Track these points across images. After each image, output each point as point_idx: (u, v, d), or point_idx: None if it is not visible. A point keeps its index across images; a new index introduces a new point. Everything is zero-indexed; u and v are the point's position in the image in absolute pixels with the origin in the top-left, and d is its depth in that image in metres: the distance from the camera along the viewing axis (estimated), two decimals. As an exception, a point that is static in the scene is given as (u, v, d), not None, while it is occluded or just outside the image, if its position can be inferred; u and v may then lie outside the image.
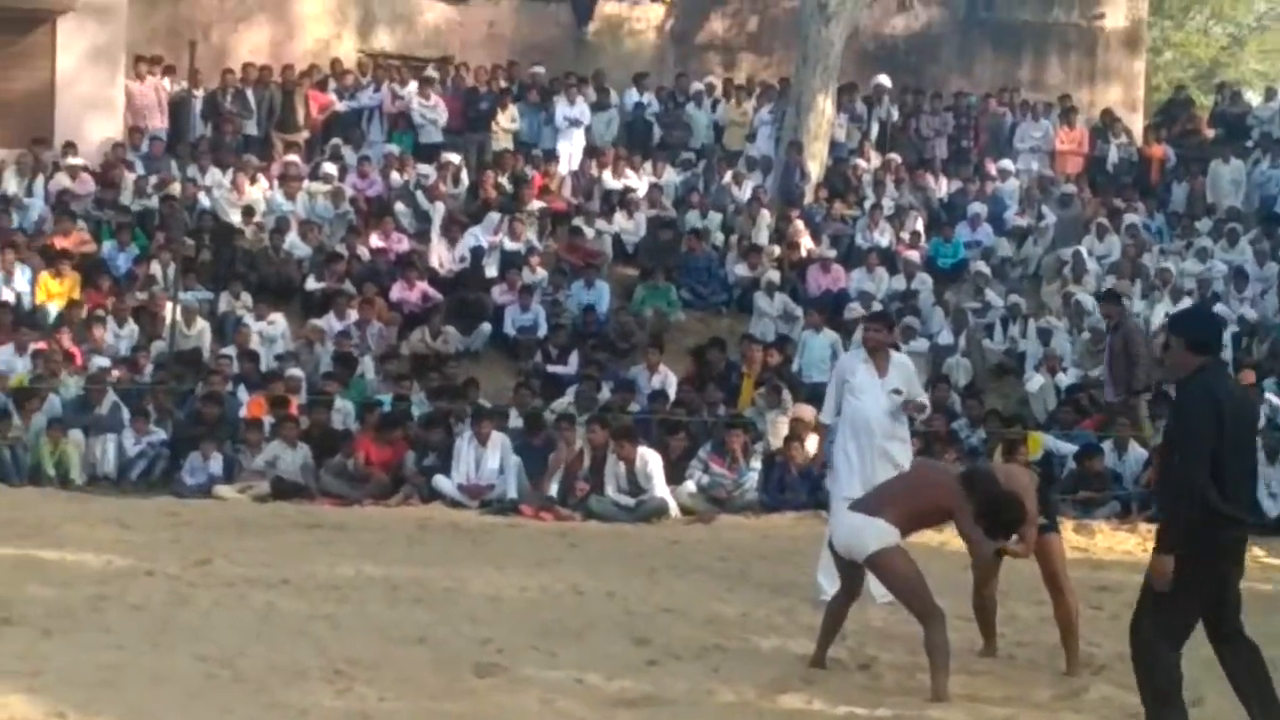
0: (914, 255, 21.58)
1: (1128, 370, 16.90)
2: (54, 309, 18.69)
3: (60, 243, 19.66)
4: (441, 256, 20.82)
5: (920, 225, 22.51)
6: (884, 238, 22.16)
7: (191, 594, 9.93)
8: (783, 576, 11.47)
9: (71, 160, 21.38)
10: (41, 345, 17.46)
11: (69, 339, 17.76)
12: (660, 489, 15.37)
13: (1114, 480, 16.19)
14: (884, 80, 24.99)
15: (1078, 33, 28.29)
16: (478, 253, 20.77)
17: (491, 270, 20.54)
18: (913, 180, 23.88)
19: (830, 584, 9.55)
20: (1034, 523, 8.30)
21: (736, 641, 9.17)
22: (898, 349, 12.03)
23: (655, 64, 26.44)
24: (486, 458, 15.85)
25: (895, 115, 24.96)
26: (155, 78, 23.13)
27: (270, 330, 18.84)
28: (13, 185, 21.09)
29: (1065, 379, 18.71)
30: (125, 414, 16.67)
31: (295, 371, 17.65)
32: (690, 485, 15.78)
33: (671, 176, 23.44)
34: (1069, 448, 16.67)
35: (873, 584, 9.15)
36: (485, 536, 13.53)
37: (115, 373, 17.37)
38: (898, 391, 10.48)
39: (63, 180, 21.14)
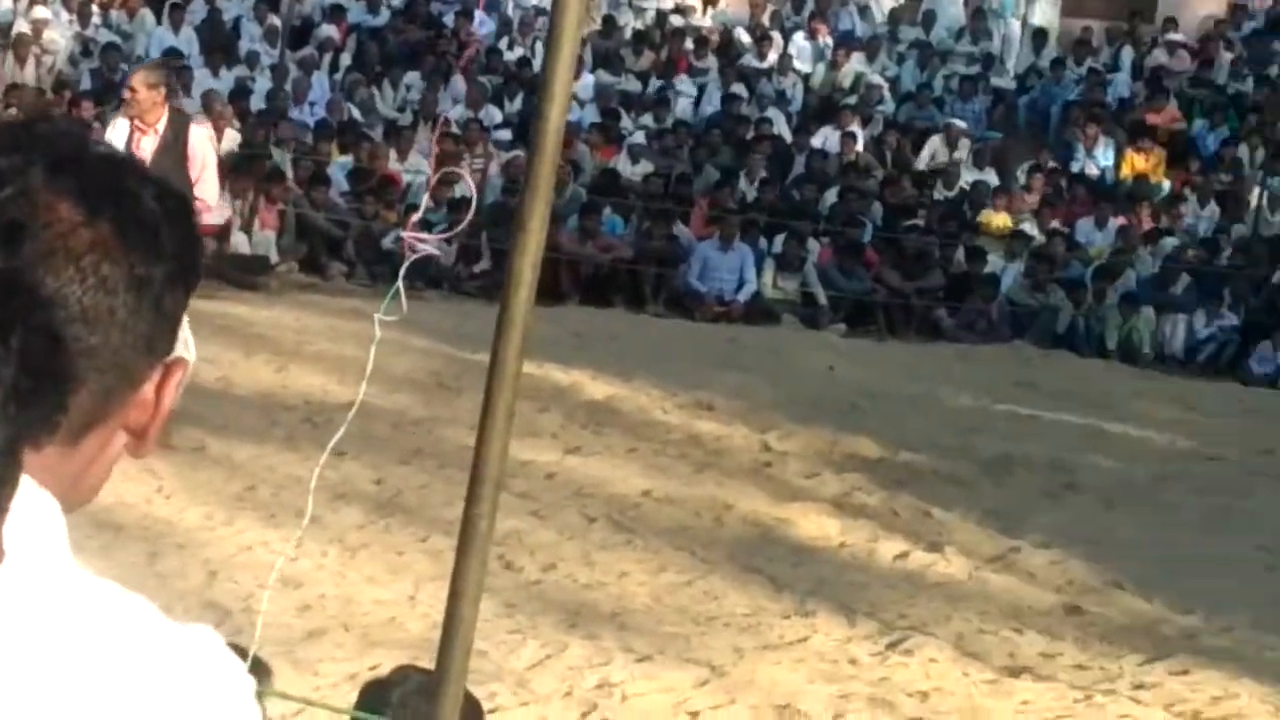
0: None
1: None
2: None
3: (1151, 119, 19.61)
4: None
5: None
6: None
7: (1253, 483, 9.66)
8: None
9: (1171, 36, 21.17)
10: (1122, 220, 17.54)
11: (1148, 215, 17.75)
12: None
13: None
14: None
15: None
16: None
17: None
18: None
19: None
20: None
21: None
22: None
23: None
24: None
25: None
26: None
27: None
28: (1103, 56, 21.25)
29: None
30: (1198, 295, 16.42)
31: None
32: None
33: None
34: None
35: None
36: None
37: (1191, 253, 17.15)
38: None
39: (1159, 56, 21.00)
